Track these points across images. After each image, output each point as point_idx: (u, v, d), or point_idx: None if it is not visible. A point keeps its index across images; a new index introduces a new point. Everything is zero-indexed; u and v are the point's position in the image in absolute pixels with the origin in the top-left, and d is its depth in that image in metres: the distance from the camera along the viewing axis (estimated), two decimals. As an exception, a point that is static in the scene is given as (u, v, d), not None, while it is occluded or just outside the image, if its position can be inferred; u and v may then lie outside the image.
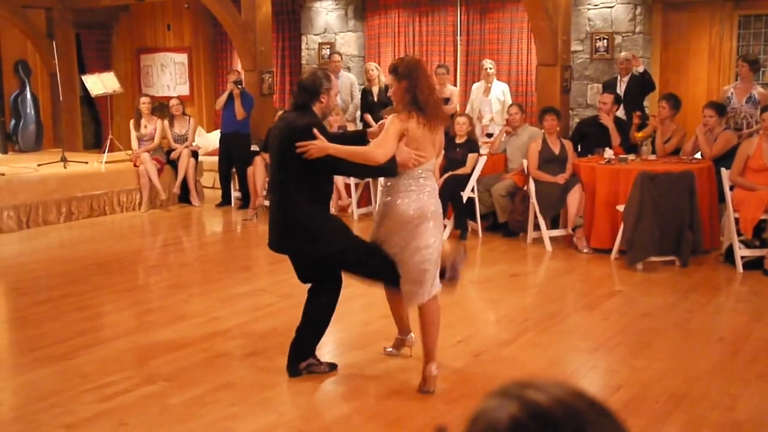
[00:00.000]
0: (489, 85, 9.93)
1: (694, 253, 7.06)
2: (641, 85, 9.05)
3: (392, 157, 4.21)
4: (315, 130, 4.22)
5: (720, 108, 7.85)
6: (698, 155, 7.95)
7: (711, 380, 4.50)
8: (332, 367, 4.70)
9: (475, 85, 10.30)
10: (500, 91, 9.95)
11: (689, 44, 9.95)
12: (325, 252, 4.44)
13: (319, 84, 4.43)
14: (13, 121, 12.84)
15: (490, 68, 9.92)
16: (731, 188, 7.04)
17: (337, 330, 5.34)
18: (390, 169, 4.28)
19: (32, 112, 12.99)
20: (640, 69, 9.02)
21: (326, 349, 5.17)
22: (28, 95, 13.02)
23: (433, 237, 4.33)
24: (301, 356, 4.61)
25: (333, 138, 4.47)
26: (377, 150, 4.18)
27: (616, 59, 9.61)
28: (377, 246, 4.47)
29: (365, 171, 4.81)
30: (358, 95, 10.77)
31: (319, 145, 4.19)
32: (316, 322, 4.63)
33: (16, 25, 12.59)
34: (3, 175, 9.65)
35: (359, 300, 6.09)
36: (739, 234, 6.91)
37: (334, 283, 4.59)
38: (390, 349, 4.95)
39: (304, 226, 4.39)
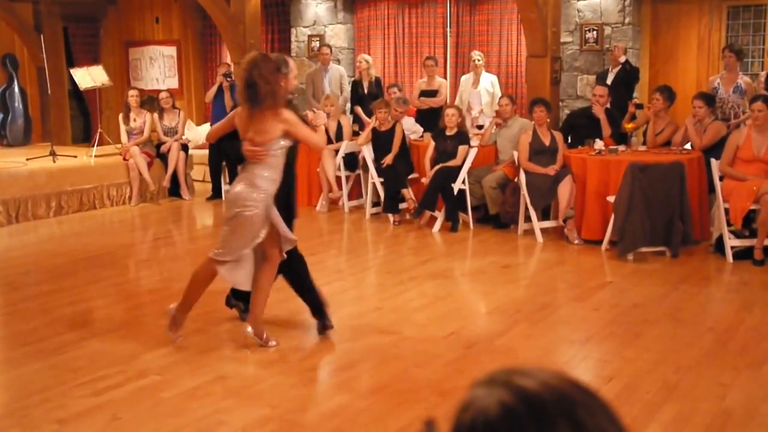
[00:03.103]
0: (477, 76, 9.93)
1: (684, 243, 7.08)
2: (625, 75, 9.08)
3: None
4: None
5: (709, 99, 7.87)
6: (688, 146, 7.98)
7: (702, 370, 4.53)
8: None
9: (463, 77, 10.30)
10: (489, 82, 9.94)
11: (678, 35, 9.97)
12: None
13: (276, 69, 4.72)
14: (1, 116, 12.75)
15: (479, 60, 9.91)
16: (721, 179, 7.06)
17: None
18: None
19: (20, 106, 12.89)
20: (622, 59, 9.04)
21: (315, 342, 5.17)
22: (16, 89, 12.92)
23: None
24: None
25: None
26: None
27: (608, 50, 9.64)
28: None
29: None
30: (347, 87, 10.75)
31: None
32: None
33: (3, 19, 12.51)
34: (-9, 169, 9.60)
35: (350, 293, 6.10)
36: (728, 224, 6.94)
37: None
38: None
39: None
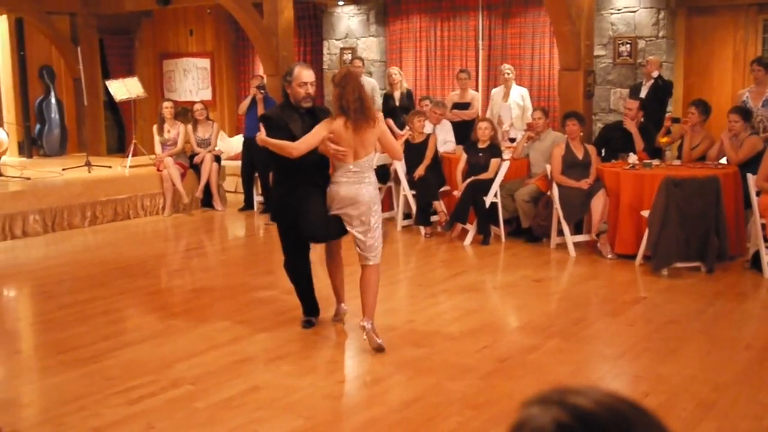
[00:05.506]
0: (508, 89, 9.91)
1: (719, 259, 7.00)
2: (657, 90, 9.02)
3: (314, 149, 5.05)
4: (261, 123, 5.25)
5: (745, 113, 7.79)
6: (723, 160, 7.89)
7: (739, 388, 4.46)
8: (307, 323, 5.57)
9: (494, 91, 10.28)
10: (519, 95, 9.92)
11: (713, 49, 9.89)
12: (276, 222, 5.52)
13: (283, 77, 5.32)
14: (38, 126, 12.97)
15: (509, 73, 9.89)
16: (758, 194, 6.97)
17: (361, 335, 5.34)
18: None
19: (57, 116, 13.11)
20: (654, 74, 8.99)
21: (348, 354, 5.20)
22: (53, 100, 13.14)
23: (373, 218, 5.13)
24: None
25: (305, 123, 5.22)
26: (295, 146, 4.98)
27: (640, 64, 9.59)
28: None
29: (290, 159, 5.12)
30: (379, 100, 10.78)
31: (259, 138, 5.14)
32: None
33: (41, 31, 12.72)
34: (29, 179, 9.75)
35: (381, 305, 6.08)
36: (765, 240, 6.84)
37: (283, 251, 5.53)
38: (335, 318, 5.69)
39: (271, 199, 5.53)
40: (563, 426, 0.98)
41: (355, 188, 5.08)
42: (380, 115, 5.45)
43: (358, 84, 5.09)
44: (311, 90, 5.27)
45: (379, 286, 5.29)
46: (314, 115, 5.29)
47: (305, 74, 5.24)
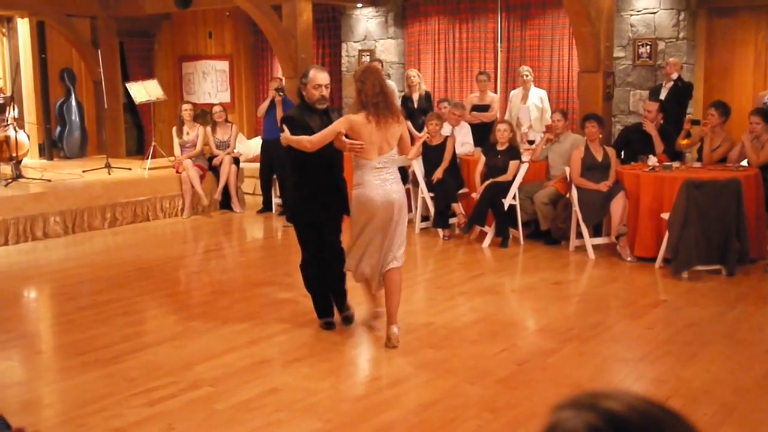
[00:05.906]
0: (526, 92, 9.88)
1: (740, 262, 6.95)
2: (677, 92, 8.96)
3: (330, 147, 5.11)
4: (284, 125, 5.27)
5: (766, 114, 7.73)
6: (744, 162, 7.83)
7: (761, 392, 4.42)
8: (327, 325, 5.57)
9: (512, 93, 10.26)
10: (537, 97, 9.89)
11: (734, 50, 9.81)
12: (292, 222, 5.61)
13: (299, 79, 5.43)
14: (58, 128, 13.06)
15: (527, 75, 9.86)
16: (779, 196, 6.92)
17: (380, 337, 5.34)
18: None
19: (77, 119, 13.21)
20: (674, 76, 8.93)
21: (367, 356, 5.20)
22: (74, 103, 13.24)
23: (401, 215, 5.18)
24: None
25: (323, 122, 5.28)
26: (310, 139, 5.07)
27: (659, 66, 9.53)
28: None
29: (304, 159, 5.26)
30: (397, 102, 10.76)
31: (284, 137, 5.20)
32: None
33: (62, 34, 12.82)
34: (49, 181, 9.82)
35: (400, 308, 6.08)
36: (787, 243, 6.79)
37: (301, 252, 5.59)
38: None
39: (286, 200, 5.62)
40: (596, 430, 0.97)
41: (385, 189, 5.10)
42: None
43: (379, 78, 5.14)
44: (325, 92, 5.36)
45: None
46: (329, 115, 5.39)
47: (320, 77, 5.32)
